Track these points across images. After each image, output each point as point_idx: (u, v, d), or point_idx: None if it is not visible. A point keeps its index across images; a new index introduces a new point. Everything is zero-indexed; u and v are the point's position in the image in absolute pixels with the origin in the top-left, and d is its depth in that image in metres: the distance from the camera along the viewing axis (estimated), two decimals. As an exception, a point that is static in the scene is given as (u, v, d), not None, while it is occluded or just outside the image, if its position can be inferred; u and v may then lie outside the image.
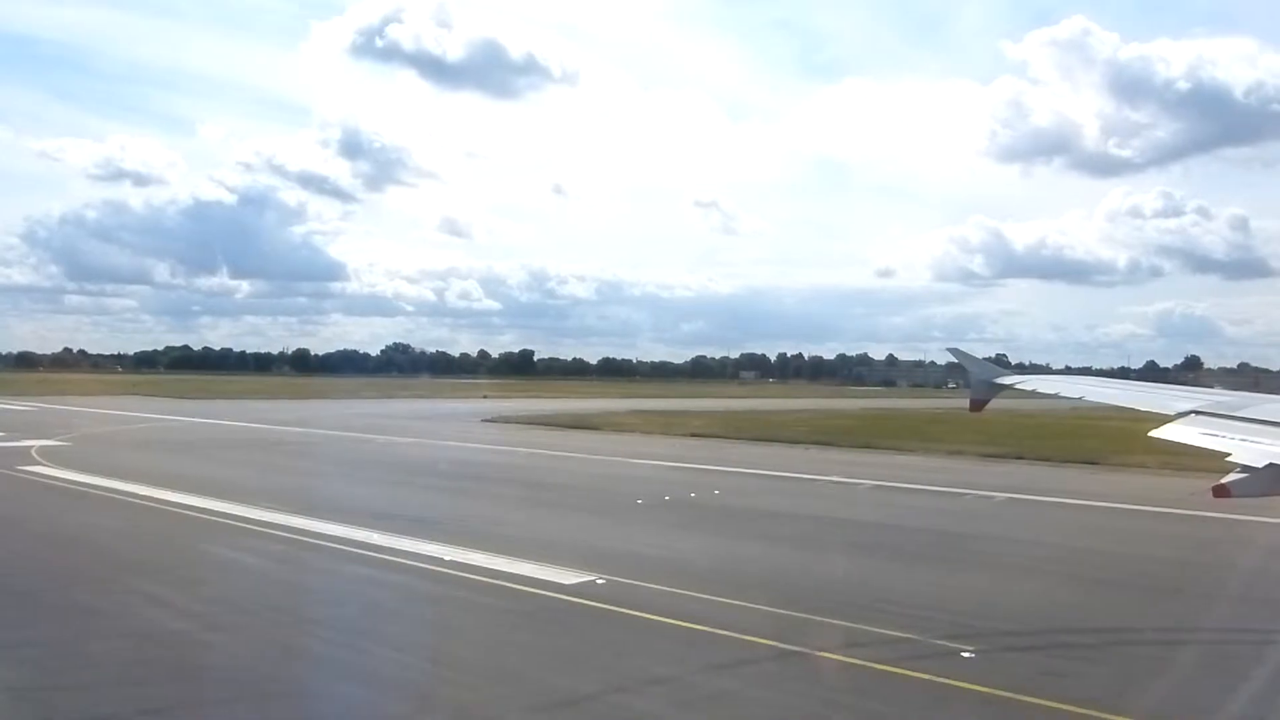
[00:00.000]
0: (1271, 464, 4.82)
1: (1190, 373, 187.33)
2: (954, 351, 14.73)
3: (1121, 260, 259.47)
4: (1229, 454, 5.34)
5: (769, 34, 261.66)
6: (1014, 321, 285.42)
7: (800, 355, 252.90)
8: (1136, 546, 17.58)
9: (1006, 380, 11.94)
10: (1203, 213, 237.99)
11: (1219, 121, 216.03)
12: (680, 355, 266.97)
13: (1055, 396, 10.96)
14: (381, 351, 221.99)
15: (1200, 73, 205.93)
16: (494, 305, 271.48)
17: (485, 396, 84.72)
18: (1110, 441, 33.50)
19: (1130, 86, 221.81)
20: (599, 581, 13.03)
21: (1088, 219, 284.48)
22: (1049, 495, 24.69)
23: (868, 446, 38.49)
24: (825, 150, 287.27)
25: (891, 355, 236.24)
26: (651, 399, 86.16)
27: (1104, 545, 17.63)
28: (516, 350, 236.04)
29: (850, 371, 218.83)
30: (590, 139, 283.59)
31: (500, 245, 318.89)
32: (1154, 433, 6.81)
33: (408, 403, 75.15)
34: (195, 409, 61.26)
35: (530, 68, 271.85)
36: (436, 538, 16.29)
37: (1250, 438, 5.55)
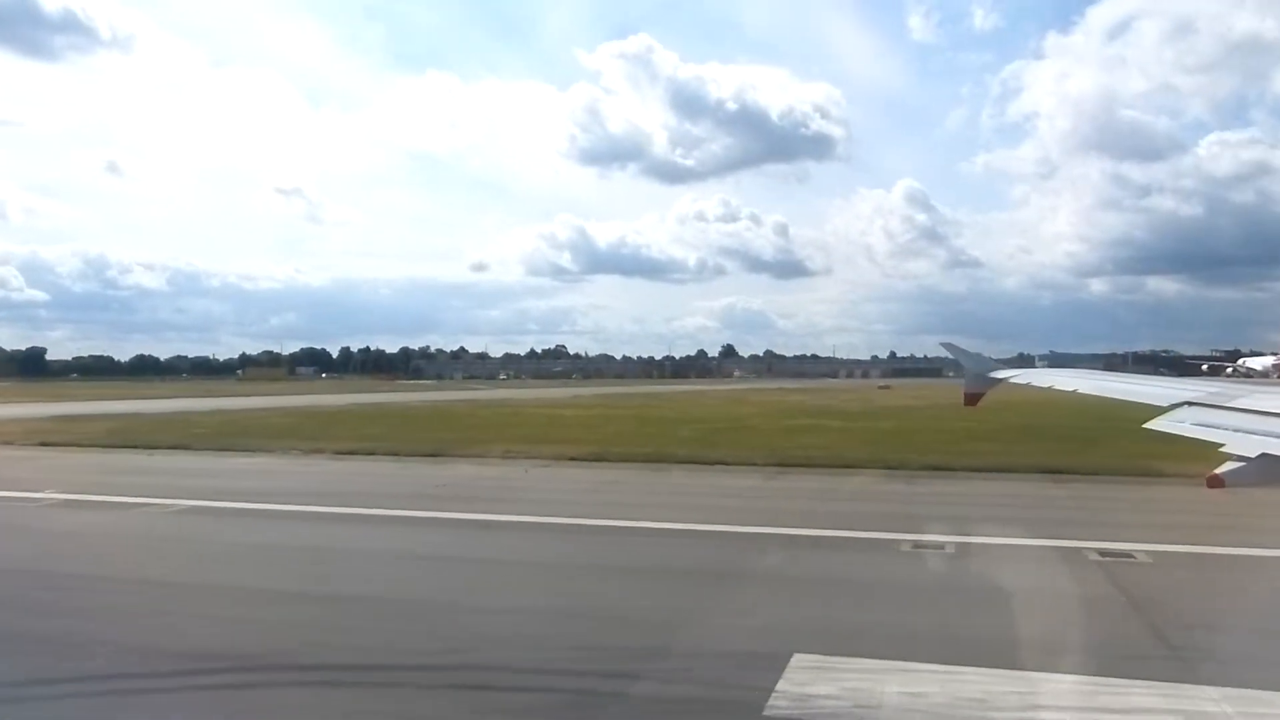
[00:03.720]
0: (1264, 454, 4.77)
1: (728, 359, 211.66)
2: (948, 346, 13.92)
3: (692, 260, 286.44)
4: (1222, 445, 5.19)
5: (353, 19, 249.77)
6: (601, 314, 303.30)
7: (368, 349, 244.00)
8: None
9: (1002, 374, 11.46)
10: (754, 219, 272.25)
11: (762, 140, 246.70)
12: (276, 349, 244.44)
13: (1049, 389, 10.09)
14: None
15: (745, 96, 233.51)
16: (40, 295, 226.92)
17: None
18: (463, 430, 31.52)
19: (689, 103, 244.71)
20: None
21: (661, 221, 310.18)
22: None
23: (226, 449, 31.72)
24: (414, 142, 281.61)
25: (462, 348, 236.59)
26: (89, 401, 70.21)
27: None
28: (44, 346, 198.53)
29: (409, 366, 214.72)
30: (151, 114, 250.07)
31: (44, 228, 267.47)
32: (1149, 424, 6.43)
33: None
34: None
35: (69, 25, 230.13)
36: None
37: (1244, 427, 5.39)
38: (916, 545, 13.60)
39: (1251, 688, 7.42)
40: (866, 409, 50.83)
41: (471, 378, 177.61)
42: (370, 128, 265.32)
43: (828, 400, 61.88)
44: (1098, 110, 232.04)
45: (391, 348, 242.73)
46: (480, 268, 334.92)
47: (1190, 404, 6.63)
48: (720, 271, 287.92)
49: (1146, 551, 12.99)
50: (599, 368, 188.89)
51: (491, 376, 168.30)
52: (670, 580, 12.00)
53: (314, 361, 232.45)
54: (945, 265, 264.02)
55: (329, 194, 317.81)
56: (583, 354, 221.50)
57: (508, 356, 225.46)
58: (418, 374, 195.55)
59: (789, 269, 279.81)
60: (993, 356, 14.15)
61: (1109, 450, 26.35)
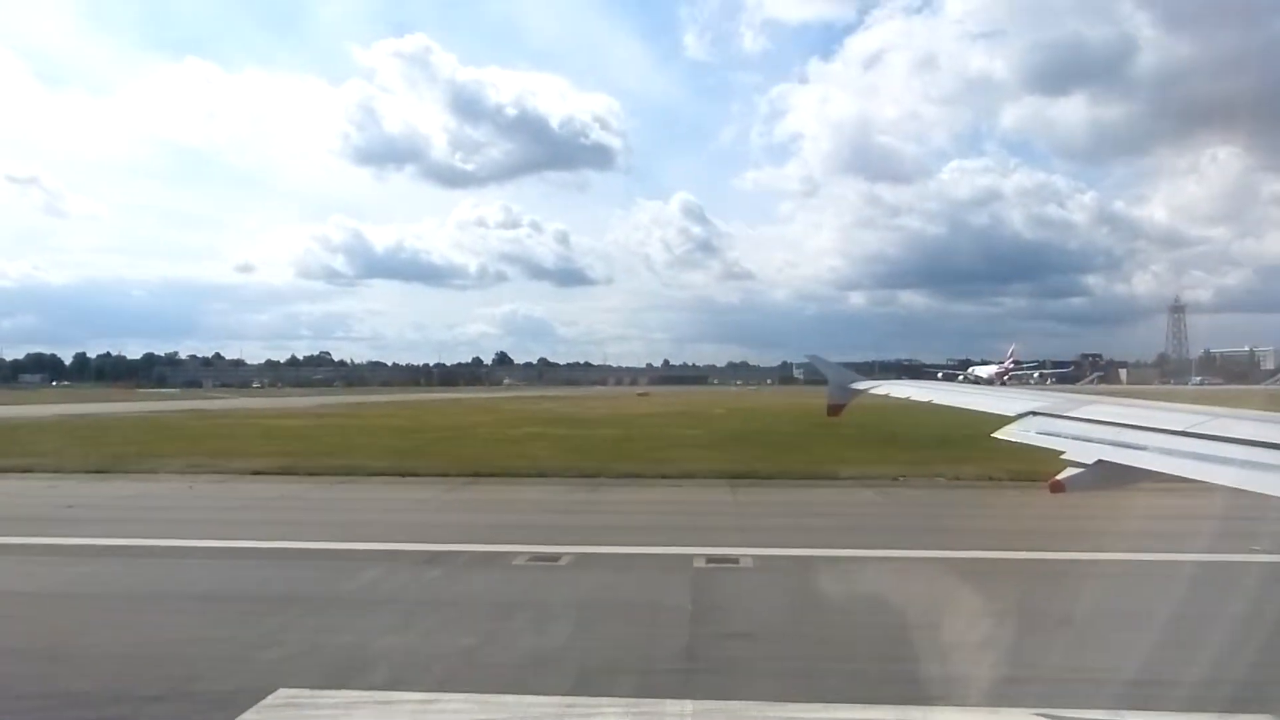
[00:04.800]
0: (1100, 460, 5.00)
1: (501, 367, 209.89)
2: (813, 359, 14.53)
3: (473, 266, 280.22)
4: (1063, 452, 5.36)
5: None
6: (379, 320, 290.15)
7: (109, 355, 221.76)
8: None
9: (861, 385, 11.89)
10: (535, 226, 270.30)
11: (543, 147, 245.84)
12: (8, 355, 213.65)
13: (907, 400, 9.98)
14: None
15: (526, 102, 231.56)
16: None
17: None
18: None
19: (469, 106, 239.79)
20: None
21: (441, 226, 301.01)
22: None
23: None
24: (172, 132, 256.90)
25: (217, 354, 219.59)
26: None
27: None
28: None
29: (154, 373, 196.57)
30: None
31: None
32: (996, 434, 6.48)
33: None
34: None
35: None
36: None
37: (1081, 435, 5.60)
38: (532, 558, 13.03)
39: (748, 699, 7.21)
40: (606, 417, 51.15)
41: (224, 386, 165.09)
42: (121, 115, 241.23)
43: (575, 408, 61.97)
44: (855, 134, 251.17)
45: (148, 351, 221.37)
46: (246, 269, 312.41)
47: (1035, 414, 6.67)
48: (502, 278, 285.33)
49: (754, 556, 13.07)
50: (363, 375, 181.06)
51: (245, 384, 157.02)
52: (216, 608, 10.66)
53: (44, 368, 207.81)
54: (720, 276, 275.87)
55: (72, 185, 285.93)
56: (352, 361, 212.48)
57: (268, 364, 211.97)
58: (162, 381, 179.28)
59: (570, 277, 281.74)
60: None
61: (798, 453, 27.55)
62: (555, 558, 13.04)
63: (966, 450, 22.57)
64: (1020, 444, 6.23)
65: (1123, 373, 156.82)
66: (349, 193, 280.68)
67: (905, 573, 12.33)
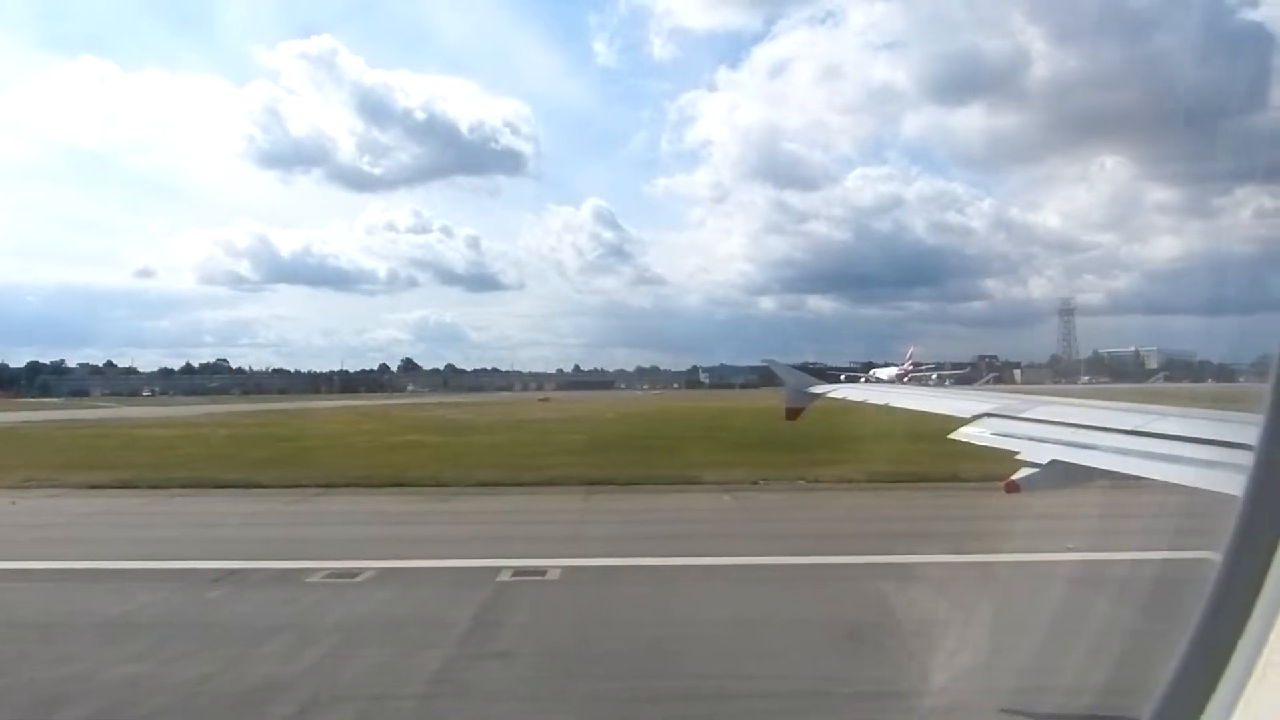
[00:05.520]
0: (1054, 460, 5.04)
1: (408, 373, 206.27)
2: (769, 363, 15.01)
3: (382, 270, 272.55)
4: (1018, 453, 5.39)
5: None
6: (286, 326, 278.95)
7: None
8: None
9: (819, 389, 11.84)
10: (446, 231, 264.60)
11: (453, 151, 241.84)
12: None
13: (863, 404, 10.30)
14: None
15: (435, 106, 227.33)
16: None
17: None
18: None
19: (377, 109, 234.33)
20: None
21: (349, 230, 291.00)
22: None
23: None
24: (66, 133, 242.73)
25: (109, 362, 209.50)
26: None
27: None
28: None
29: (35, 382, 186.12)
30: None
31: None
32: (952, 434, 6.60)
33: None
34: None
35: None
36: None
37: (1035, 436, 5.64)
38: (330, 574, 12.47)
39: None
40: (492, 424, 50.30)
41: (113, 395, 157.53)
42: (12, 114, 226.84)
43: (467, 415, 60.85)
44: (763, 141, 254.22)
45: (44, 359, 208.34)
46: (146, 274, 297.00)
47: (990, 415, 6.66)
48: (412, 283, 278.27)
49: (564, 567, 12.74)
50: (260, 383, 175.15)
51: (135, 393, 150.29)
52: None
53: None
54: (632, 282, 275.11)
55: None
56: (251, 369, 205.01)
57: (162, 371, 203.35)
58: (46, 391, 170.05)
59: (482, 282, 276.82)
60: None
61: (673, 457, 27.41)
62: (355, 573, 12.49)
63: (848, 452, 22.94)
64: (977, 445, 6.27)
65: (1017, 373, 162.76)
66: (254, 196, 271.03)
67: (709, 581, 12.17)
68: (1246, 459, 3.77)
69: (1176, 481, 4.18)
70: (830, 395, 11.74)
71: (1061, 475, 5.02)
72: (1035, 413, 6.27)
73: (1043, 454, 5.25)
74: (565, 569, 12.66)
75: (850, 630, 9.49)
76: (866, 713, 7.25)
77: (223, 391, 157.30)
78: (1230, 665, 1.26)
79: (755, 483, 22.55)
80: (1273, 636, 1.23)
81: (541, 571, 12.51)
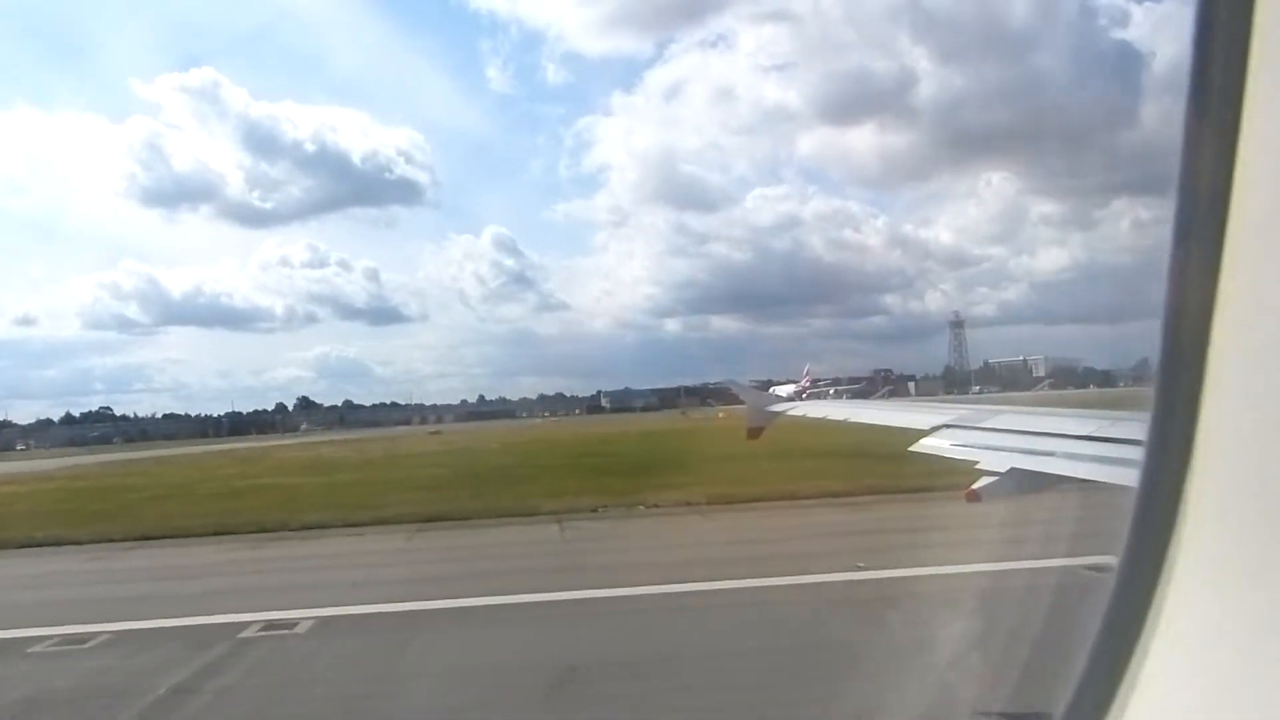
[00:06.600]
0: (1013, 468, 5.13)
1: (305, 411, 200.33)
2: (730, 383, 15.60)
3: (279, 307, 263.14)
4: (977, 462, 5.45)
5: None
6: (180, 370, 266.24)
7: None
8: None
9: (779, 407, 12.11)
10: (344, 265, 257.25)
11: (346, 183, 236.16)
12: None
13: (823, 420, 10.31)
14: None
15: (325, 137, 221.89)
16: None
17: None
18: None
19: (264, 142, 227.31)
20: None
21: (243, 268, 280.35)
22: None
23: None
24: None
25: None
26: None
27: None
28: None
29: None
30: None
31: None
32: (913, 446, 6.56)
33: None
34: None
35: None
36: None
37: (993, 445, 5.73)
38: (61, 640, 11.62)
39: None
40: (362, 461, 48.84)
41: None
42: None
43: (346, 453, 58.95)
44: (661, 164, 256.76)
45: None
46: (27, 322, 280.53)
47: (949, 426, 6.64)
48: (311, 319, 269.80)
49: (321, 618, 12.11)
50: (145, 430, 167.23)
51: (8, 447, 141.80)
52: None
53: None
54: (536, 309, 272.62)
55: None
56: (138, 415, 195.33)
57: (41, 422, 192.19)
58: None
59: (383, 315, 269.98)
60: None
61: (527, 487, 26.77)
62: (86, 639, 11.62)
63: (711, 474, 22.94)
64: (934, 455, 6.34)
65: (911, 385, 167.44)
66: (139, 236, 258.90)
67: (461, 625, 11.73)
68: None
69: (1128, 484, 4.13)
70: (791, 413, 11.71)
71: (1020, 482, 5.14)
72: (993, 422, 6.38)
73: (1001, 462, 5.36)
74: (321, 619, 12.05)
75: (562, 674, 9.16)
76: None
77: (104, 441, 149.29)
78: (1132, 664, 1.32)
79: (594, 510, 22.23)
80: (1169, 635, 1.29)
81: (294, 624, 11.87)
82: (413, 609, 12.55)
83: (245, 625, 11.83)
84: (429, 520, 22.04)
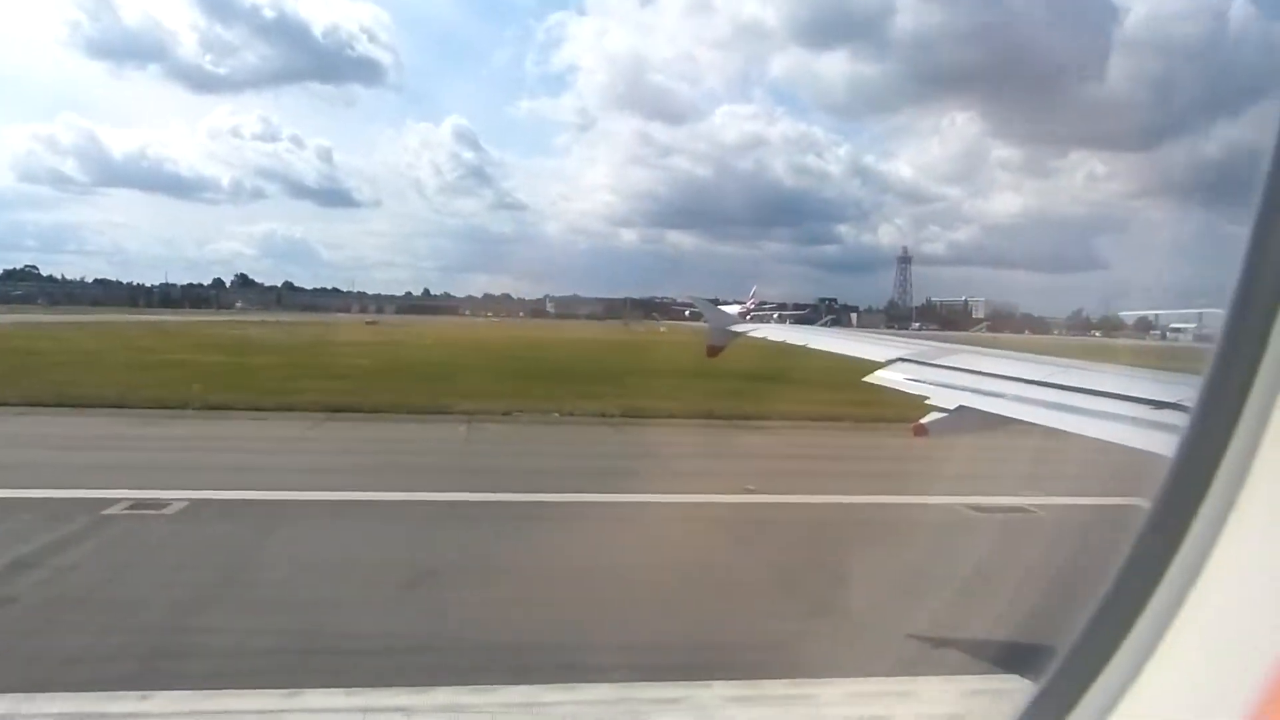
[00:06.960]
0: (962, 406, 5.23)
1: (243, 289, 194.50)
2: (694, 299, 16.02)
3: (226, 179, 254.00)
4: (928, 397, 5.54)
5: None
6: (120, 233, 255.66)
7: None
8: None
9: (740, 328, 11.91)
10: (296, 141, 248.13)
11: (304, 55, 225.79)
12: None
13: (783, 344, 10.34)
14: None
15: (285, 5, 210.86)
16: None
17: None
18: None
19: (221, 3, 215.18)
20: None
21: (190, 134, 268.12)
22: None
23: None
24: None
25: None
26: None
27: None
28: None
29: None
30: None
31: None
32: (868, 377, 6.65)
33: None
34: None
35: None
36: None
37: (945, 382, 5.82)
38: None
39: None
40: (285, 345, 47.94)
41: None
42: None
43: (274, 335, 57.82)
44: (631, 70, 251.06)
45: None
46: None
47: (903, 360, 6.70)
48: (259, 194, 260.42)
49: (194, 500, 11.88)
50: (74, 293, 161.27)
51: None
52: None
53: None
54: (492, 206, 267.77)
55: None
56: (66, 277, 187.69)
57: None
58: None
59: (335, 197, 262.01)
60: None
61: (445, 384, 26.52)
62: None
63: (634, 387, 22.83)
64: (887, 388, 6.40)
65: (854, 317, 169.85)
66: (81, 90, 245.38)
67: (334, 517, 11.61)
68: (1139, 411, 4.08)
69: (1074, 431, 4.38)
70: (751, 335, 11.69)
71: (968, 421, 5.22)
72: (947, 360, 6.45)
73: (951, 399, 5.44)
74: (194, 502, 11.82)
75: (417, 575, 9.13)
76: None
77: (27, 301, 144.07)
78: (1139, 622, 1.31)
79: (506, 414, 22.12)
80: (1192, 589, 1.28)
81: (164, 504, 11.62)
82: (288, 498, 12.40)
83: (113, 502, 11.54)
84: (336, 410, 21.75)
